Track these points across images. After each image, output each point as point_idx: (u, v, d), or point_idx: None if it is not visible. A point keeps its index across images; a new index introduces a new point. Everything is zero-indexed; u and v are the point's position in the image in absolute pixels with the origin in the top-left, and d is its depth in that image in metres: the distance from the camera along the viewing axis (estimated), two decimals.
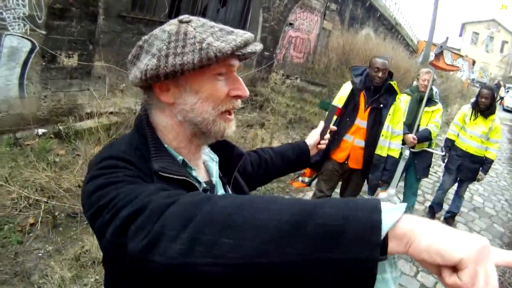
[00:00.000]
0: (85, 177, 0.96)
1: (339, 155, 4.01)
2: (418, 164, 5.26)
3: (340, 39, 12.95)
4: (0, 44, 4.62)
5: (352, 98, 3.90)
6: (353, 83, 3.94)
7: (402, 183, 5.48)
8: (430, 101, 5.06)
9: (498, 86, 35.40)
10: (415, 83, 5.45)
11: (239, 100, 1.10)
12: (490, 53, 50.58)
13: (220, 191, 1.20)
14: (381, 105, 3.86)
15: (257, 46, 1.03)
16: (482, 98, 5.36)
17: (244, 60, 1.09)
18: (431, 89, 4.99)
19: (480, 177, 5.46)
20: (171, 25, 1.01)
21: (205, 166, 1.20)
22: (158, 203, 0.75)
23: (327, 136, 1.94)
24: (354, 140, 3.93)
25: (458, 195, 5.91)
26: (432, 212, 6.00)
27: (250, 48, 1.00)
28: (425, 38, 22.06)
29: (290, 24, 11.44)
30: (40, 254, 3.33)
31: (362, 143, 3.93)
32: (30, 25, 4.88)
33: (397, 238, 0.63)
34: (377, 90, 3.83)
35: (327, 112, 2.11)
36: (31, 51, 5.00)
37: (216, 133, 1.07)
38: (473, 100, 5.80)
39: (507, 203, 7.60)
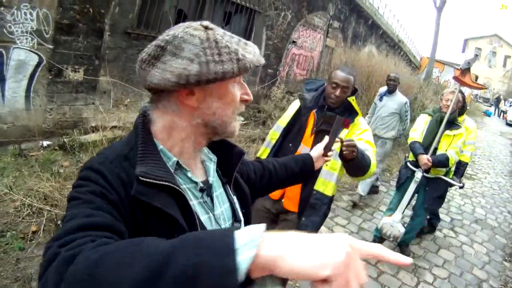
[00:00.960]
0: None
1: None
2: (429, 191, 4.75)
3: (342, 56, 13.03)
4: (8, 57, 4.74)
5: (298, 119, 3.03)
6: (301, 99, 3.07)
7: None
8: (452, 125, 4.62)
9: (498, 99, 35.51)
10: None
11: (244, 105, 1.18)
12: (493, 68, 50.61)
13: (219, 190, 1.24)
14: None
15: (262, 60, 1.11)
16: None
17: None
18: (454, 111, 4.58)
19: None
20: (197, 30, 1.03)
21: (203, 166, 1.23)
22: (51, 253, 0.74)
23: (334, 148, 2.02)
24: None
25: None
26: (431, 224, 5.85)
27: (259, 62, 1.09)
28: (428, 54, 22.19)
29: (293, 42, 11.55)
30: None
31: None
32: (38, 39, 5.00)
33: (258, 269, 0.62)
34: (331, 111, 2.92)
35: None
36: (38, 65, 5.11)
37: (231, 133, 1.16)
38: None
39: (509, 215, 7.58)
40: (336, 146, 2.23)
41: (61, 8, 5.14)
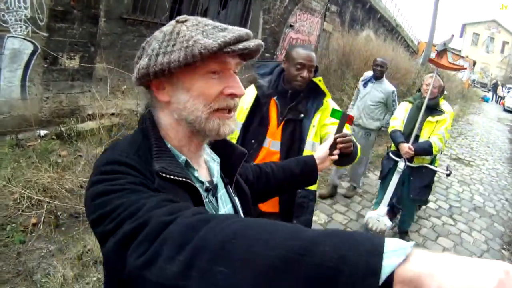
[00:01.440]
0: (89, 180, 0.96)
1: None
2: (414, 181, 4.56)
3: (340, 41, 12.96)
4: (2, 46, 4.66)
5: (258, 110, 2.69)
6: (258, 87, 2.70)
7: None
8: (435, 110, 4.44)
9: (496, 85, 35.60)
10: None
11: (236, 99, 1.09)
12: (490, 54, 50.66)
13: (222, 191, 1.22)
14: (301, 115, 2.65)
15: (252, 43, 1.01)
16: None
17: (250, 58, 1.11)
18: (435, 96, 4.41)
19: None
20: (169, 25, 1.04)
21: (207, 166, 1.21)
22: (158, 221, 0.76)
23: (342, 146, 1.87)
24: None
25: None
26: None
27: (242, 45, 0.98)
28: (426, 39, 22.09)
29: (291, 26, 11.46)
30: (43, 254, 3.35)
31: None
32: (32, 27, 4.91)
33: (403, 283, 0.58)
34: (296, 95, 2.65)
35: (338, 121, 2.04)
36: (33, 53, 5.03)
37: (210, 131, 1.06)
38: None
39: (507, 202, 7.61)
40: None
41: None
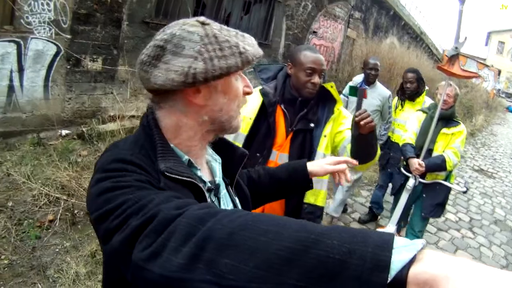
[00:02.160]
0: (91, 178, 0.96)
1: None
2: (427, 199, 4.18)
3: (364, 48, 12.88)
4: (26, 47, 4.79)
5: (263, 119, 2.41)
6: (264, 94, 2.42)
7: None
8: (450, 121, 4.08)
9: None
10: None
11: (246, 97, 1.15)
12: None
13: (223, 191, 1.23)
14: (311, 124, 2.41)
15: (260, 51, 1.10)
16: (407, 83, 4.84)
17: None
18: (450, 106, 4.04)
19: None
20: (194, 26, 1.00)
21: (208, 166, 1.22)
22: (166, 215, 0.75)
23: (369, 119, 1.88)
24: None
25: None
26: (371, 212, 5.43)
27: (260, 52, 1.08)
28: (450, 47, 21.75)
29: (314, 32, 11.43)
30: (57, 250, 3.42)
31: None
32: (55, 29, 5.03)
33: (416, 284, 0.56)
34: (306, 103, 2.40)
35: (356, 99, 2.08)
36: (56, 55, 5.15)
37: (236, 128, 1.14)
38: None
39: None
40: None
41: None
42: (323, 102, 2.45)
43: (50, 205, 3.87)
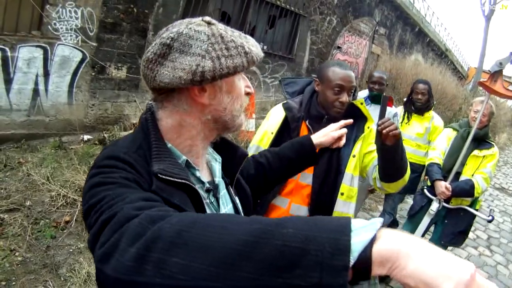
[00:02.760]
0: (88, 174, 0.96)
1: None
2: (448, 225, 3.82)
3: (388, 64, 12.81)
4: (52, 53, 4.95)
5: (286, 135, 2.24)
6: (287, 108, 2.28)
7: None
8: (483, 142, 3.71)
9: None
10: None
11: (248, 97, 1.17)
12: None
13: (223, 191, 1.22)
14: None
15: (261, 53, 1.12)
16: (418, 95, 4.42)
17: None
18: (484, 125, 3.68)
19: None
20: (200, 25, 1.00)
21: (208, 166, 1.21)
22: (124, 214, 0.73)
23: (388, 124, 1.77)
24: (290, 206, 2.26)
25: (386, 211, 4.82)
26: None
27: (261, 54, 1.10)
28: (476, 64, 21.45)
29: (338, 47, 11.44)
30: (71, 250, 3.48)
31: (304, 211, 2.25)
32: (82, 37, 5.20)
33: (380, 262, 0.58)
34: (334, 121, 2.07)
35: (379, 107, 1.95)
36: (81, 61, 5.31)
37: (239, 126, 1.15)
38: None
39: None
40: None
41: (105, 7, 5.33)
42: (353, 120, 2.19)
43: (67, 207, 3.95)
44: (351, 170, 2.20)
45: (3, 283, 2.96)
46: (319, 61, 10.61)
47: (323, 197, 2.20)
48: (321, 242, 0.57)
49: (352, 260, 0.56)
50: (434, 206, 3.65)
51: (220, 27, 1.03)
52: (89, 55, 5.35)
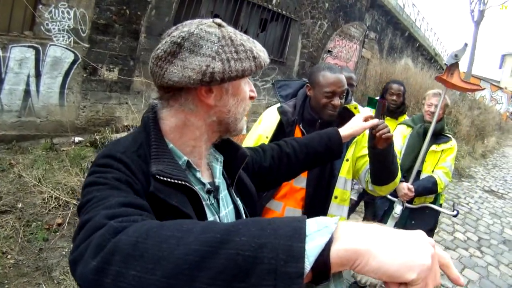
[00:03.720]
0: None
1: None
2: (416, 225, 3.51)
3: (378, 68, 12.90)
4: (44, 54, 4.92)
5: (281, 138, 2.02)
6: (282, 112, 2.26)
7: None
8: (439, 137, 3.55)
9: None
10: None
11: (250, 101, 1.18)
12: None
13: (224, 192, 1.22)
14: None
15: (268, 59, 1.12)
16: (393, 95, 4.10)
17: None
18: (440, 119, 3.45)
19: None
20: (211, 27, 1.01)
21: (209, 167, 1.21)
22: (96, 221, 0.73)
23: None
24: (284, 210, 2.27)
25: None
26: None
27: (268, 60, 1.11)
28: (465, 69, 21.69)
29: (329, 51, 11.50)
30: (64, 252, 3.45)
31: (298, 214, 2.18)
32: (74, 38, 5.17)
33: (340, 263, 0.58)
34: (327, 125, 2.11)
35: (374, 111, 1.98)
36: (73, 62, 5.28)
37: (240, 130, 1.16)
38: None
39: None
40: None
41: (98, 8, 5.31)
42: (346, 122, 2.20)
43: (59, 209, 3.91)
44: (344, 173, 2.24)
45: None
46: (310, 64, 10.65)
47: (317, 201, 2.22)
48: (274, 249, 0.56)
49: (308, 266, 0.56)
50: (398, 209, 3.43)
51: (230, 30, 1.04)
52: (81, 56, 5.32)
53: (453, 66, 3.11)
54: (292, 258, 0.55)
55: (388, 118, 4.24)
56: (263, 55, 1.06)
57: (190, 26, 1.01)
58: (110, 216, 0.74)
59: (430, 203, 3.56)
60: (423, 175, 3.51)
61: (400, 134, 3.71)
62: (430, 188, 3.39)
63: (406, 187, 3.30)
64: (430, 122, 3.35)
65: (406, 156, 3.57)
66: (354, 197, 3.98)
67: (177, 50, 0.98)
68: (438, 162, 3.53)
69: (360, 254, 0.58)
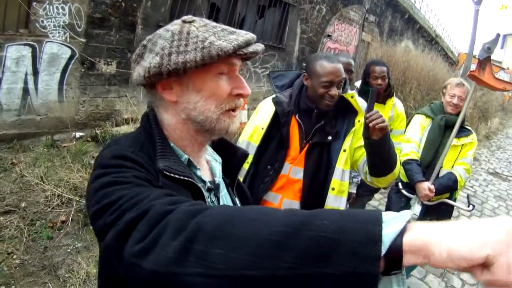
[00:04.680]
0: (91, 174, 0.95)
1: None
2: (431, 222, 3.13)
3: (378, 51, 12.80)
4: (41, 51, 4.87)
5: (276, 130, 2.26)
6: (276, 102, 2.26)
7: None
8: (460, 129, 3.20)
9: None
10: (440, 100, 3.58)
11: (241, 99, 1.11)
12: None
13: (224, 191, 1.22)
14: (329, 138, 2.22)
15: (259, 47, 1.05)
16: (377, 79, 3.60)
17: (248, 60, 1.12)
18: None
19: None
20: (175, 25, 1.02)
21: (209, 165, 1.22)
22: (158, 210, 0.75)
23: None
24: (282, 202, 2.27)
25: None
26: None
27: (251, 48, 1.02)
28: (466, 50, 21.48)
29: (328, 35, 11.40)
30: (69, 250, 3.46)
31: (296, 206, 2.25)
32: (70, 33, 5.11)
33: (412, 252, 0.59)
34: (323, 114, 2.19)
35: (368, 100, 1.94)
36: (70, 58, 5.23)
37: (220, 130, 1.08)
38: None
39: None
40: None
41: (93, 2, 5.25)
42: (343, 114, 2.25)
43: (62, 206, 3.91)
44: (341, 164, 2.21)
45: (3, 287, 2.93)
46: (310, 49, 10.58)
47: (314, 192, 2.23)
48: (354, 232, 0.59)
49: (384, 250, 0.57)
50: (417, 209, 3.27)
51: (197, 24, 1.02)
52: (78, 52, 5.27)
53: (485, 60, 2.85)
54: (371, 241, 0.57)
55: (376, 104, 3.96)
56: (224, 43, 0.97)
57: (163, 27, 1.05)
58: (169, 203, 0.77)
59: (447, 198, 3.38)
60: (442, 172, 3.29)
61: (418, 125, 3.48)
62: (450, 187, 3.23)
63: (427, 188, 3.13)
64: (453, 114, 3.25)
65: (426, 151, 3.36)
66: (353, 190, 3.81)
67: (143, 51, 1.03)
68: (458, 157, 3.33)
69: (431, 243, 0.58)
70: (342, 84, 2.16)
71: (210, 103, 1.04)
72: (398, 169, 2.07)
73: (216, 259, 0.63)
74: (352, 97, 2.21)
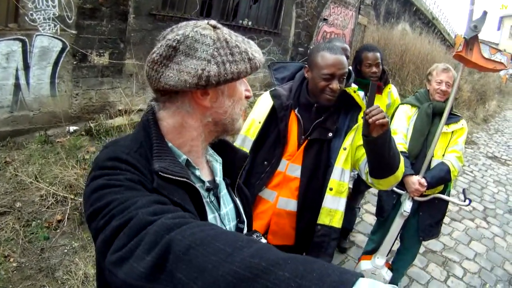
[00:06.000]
0: (88, 175, 0.97)
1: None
2: (423, 218, 3.22)
3: (375, 34, 12.71)
4: (31, 45, 4.74)
5: (274, 124, 2.17)
6: (274, 96, 2.17)
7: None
8: (449, 116, 3.01)
9: None
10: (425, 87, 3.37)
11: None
12: None
13: (224, 190, 1.24)
14: (329, 134, 2.12)
15: (263, 59, 1.14)
16: (371, 67, 3.45)
17: None
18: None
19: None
20: (206, 29, 1.02)
21: (209, 165, 1.24)
22: (140, 220, 0.76)
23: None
24: (277, 200, 2.17)
25: (350, 207, 3.96)
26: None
27: (263, 60, 1.13)
28: (463, 32, 21.37)
29: (324, 19, 11.24)
30: (66, 251, 3.41)
31: (292, 205, 2.16)
32: (61, 25, 4.97)
33: None
34: (324, 109, 2.10)
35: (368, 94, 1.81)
36: (62, 51, 5.10)
37: (238, 130, 1.19)
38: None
39: None
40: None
41: None
42: (345, 109, 2.14)
43: (57, 205, 3.85)
44: (341, 164, 2.11)
45: None
46: (306, 34, 10.45)
47: (312, 192, 2.14)
48: None
49: None
50: (407, 206, 3.04)
51: (225, 31, 1.05)
52: (69, 44, 5.14)
53: (472, 40, 2.67)
54: None
55: None
56: (258, 55, 1.07)
57: (186, 28, 1.02)
58: (153, 213, 0.78)
59: (440, 192, 3.19)
60: (433, 162, 3.10)
61: (404, 115, 3.28)
62: (443, 178, 3.02)
63: (417, 182, 2.95)
64: (440, 101, 3.11)
65: (415, 141, 3.16)
66: (350, 185, 3.62)
67: (172, 53, 0.99)
68: (449, 145, 3.14)
69: None
70: (345, 77, 2.05)
71: (237, 107, 1.13)
72: (401, 172, 1.95)
73: (178, 283, 0.64)
74: (355, 91, 2.10)
